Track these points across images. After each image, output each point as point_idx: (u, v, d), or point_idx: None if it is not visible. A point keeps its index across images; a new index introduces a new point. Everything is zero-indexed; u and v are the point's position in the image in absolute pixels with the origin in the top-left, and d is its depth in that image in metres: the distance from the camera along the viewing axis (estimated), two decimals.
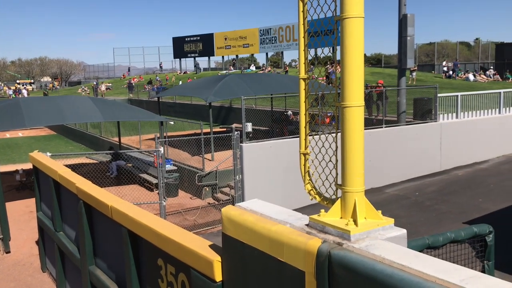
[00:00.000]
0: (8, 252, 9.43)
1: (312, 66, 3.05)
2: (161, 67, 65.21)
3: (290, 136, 12.54)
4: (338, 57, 2.48)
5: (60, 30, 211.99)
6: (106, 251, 5.40)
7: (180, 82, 41.69)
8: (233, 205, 3.15)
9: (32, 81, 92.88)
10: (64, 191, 6.63)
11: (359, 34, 2.38)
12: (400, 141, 13.65)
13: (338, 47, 2.47)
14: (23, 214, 12.10)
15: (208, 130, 16.51)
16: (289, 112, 20.97)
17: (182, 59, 58.43)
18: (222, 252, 3.06)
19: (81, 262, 5.95)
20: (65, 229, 7.05)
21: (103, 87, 52.10)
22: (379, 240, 2.33)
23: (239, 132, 11.44)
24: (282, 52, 46.52)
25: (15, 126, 15.13)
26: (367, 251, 2.16)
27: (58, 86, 72.83)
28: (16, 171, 15.34)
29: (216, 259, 3.02)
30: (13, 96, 56.66)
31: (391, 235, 2.41)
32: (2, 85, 79.34)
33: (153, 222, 4.00)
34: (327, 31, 2.65)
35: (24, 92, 61.57)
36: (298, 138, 2.94)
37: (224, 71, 46.36)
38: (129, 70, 68.73)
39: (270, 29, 44.49)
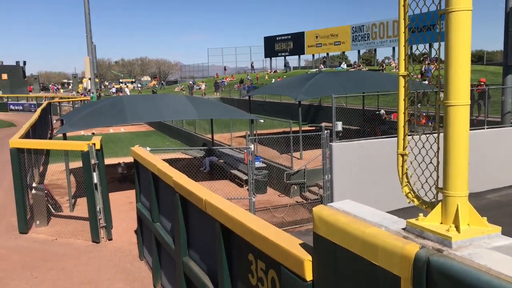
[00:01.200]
0: (110, 239, 10.15)
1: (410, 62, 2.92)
2: (252, 66, 66.35)
3: (383, 136, 12.14)
4: (436, 53, 2.34)
5: (159, 32, 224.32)
6: (199, 243, 5.60)
7: (273, 81, 42.13)
8: (322, 204, 3.11)
9: (133, 80, 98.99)
10: (162, 184, 6.99)
11: (466, 28, 2.23)
12: (504, 144, 12.67)
13: (437, 43, 2.33)
14: (123, 204, 12.94)
15: (297, 128, 16.51)
16: (382, 111, 20.31)
17: (272, 58, 59.04)
18: (312, 252, 3.04)
19: (176, 252, 6.23)
20: (161, 220, 7.44)
21: (203, 86, 53.33)
22: (484, 248, 2.17)
23: (328, 131, 11.30)
24: (375, 50, 45.22)
25: (118, 122, 16.27)
26: (471, 260, 2.02)
27: (156, 85, 76.93)
28: (118, 164, 16.48)
29: (307, 258, 3.01)
30: (116, 94, 60.85)
31: (498, 244, 2.24)
32: (107, 84, 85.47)
33: (245, 217, 4.08)
34: (429, 25, 2.51)
35: (127, 90, 65.83)
36: (391, 139, 2.84)
37: (314, 69, 46.04)
38: (225, 69, 70.75)
39: (363, 26, 43.41)
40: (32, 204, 11.30)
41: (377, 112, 20.26)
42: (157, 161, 7.31)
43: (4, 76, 71.43)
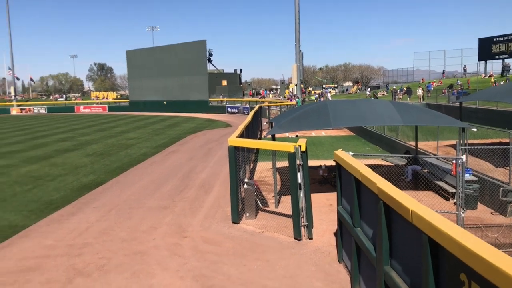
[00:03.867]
0: (310, 238, 10.54)
1: None
2: (465, 70, 61.14)
3: None
4: None
5: (362, 38, 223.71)
6: (402, 254, 5.41)
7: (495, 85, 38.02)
8: None
9: (335, 85, 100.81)
10: (364, 189, 6.97)
11: None
12: None
13: None
14: (323, 206, 13.31)
15: None
16: None
17: (487, 61, 53.37)
18: None
19: (377, 260, 6.14)
20: (362, 226, 7.41)
21: (419, 91, 48.93)
22: None
23: None
24: None
25: (322, 126, 16.79)
26: None
27: (358, 90, 76.97)
28: (320, 166, 17.01)
29: None
30: (317, 99, 62.82)
31: None
32: (311, 89, 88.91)
33: (457, 232, 3.79)
34: None
35: (328, 95, 67.44)
36: None
37: None
38: (444, 74, 66.82)
39: None
40: (244, 197, 12.47)
41: None
42: (360, 166, 7.31)
43: (224, 83, 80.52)
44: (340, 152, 8.85)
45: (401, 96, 50.45)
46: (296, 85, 51.74)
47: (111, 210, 13.81)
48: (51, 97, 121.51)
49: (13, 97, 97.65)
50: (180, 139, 33.37)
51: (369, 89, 59.17)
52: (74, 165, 22.39)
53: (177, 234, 11.34)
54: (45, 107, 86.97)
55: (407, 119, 14.43)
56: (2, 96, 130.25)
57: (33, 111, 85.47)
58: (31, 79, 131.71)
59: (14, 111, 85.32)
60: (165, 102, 73.36)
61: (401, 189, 5.72)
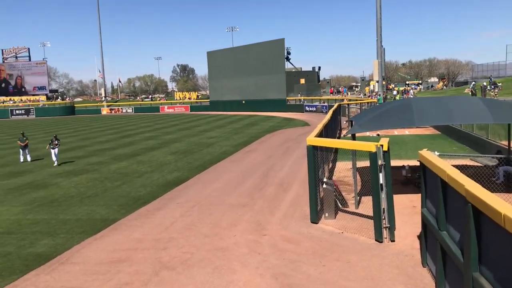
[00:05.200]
0: (392, 240, 10.24)
1: None
2: None
3: None
4: None
5: (449, 31, 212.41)
6: (494, 261, 5.09)
7: None
8: None
9: (420, 81, 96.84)
10: (451, 191, 6.64)
11: None
12: None
13: None
14: (406, 207, 12.85)
15: None
16: None
17: None
18: None
19: (464, 266, 5.84)
20: (448, 229, 7.07)
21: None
22: None
23: None
24: None
25: (405, 125, 16.19)
26: None
27: (444, 87, 73.29)
28: (403, 167, 16.43)
29: None
30: (398, 97, 60.56)
31: None
32: (393, 86, 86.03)
33: None
34: None
35: (411, 92, 64.93)
36: None
37: None
38: None
39: None
40: (323, 197, 12.38)
41: None
42: (446, 166, 6.98)
43: (302, 81, 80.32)
44: (425, 152, 8.51)
45: (496, 92, 46.83)
46: (377, 82, 50.34)
47: (194, 206, 14.33)
48: (138, 98, 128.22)
49: (103, 98, 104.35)
50: (259, 138, 33.81)
51: (473, 83, 55.65)
52: (159, 163, 23.49)
53: (256, 231, 11.52)
54: (132, 107, 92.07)
55: (498, 116, 13.52)
56: (93, 97, 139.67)
57: (121, 111, 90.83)
58: (120, 81, 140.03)
59: (104, 111, 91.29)
60: (243, 102, 74.69)
61: (492, 192, 5.39)
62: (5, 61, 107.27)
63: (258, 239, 10.94)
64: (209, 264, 9.48)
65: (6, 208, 15.10)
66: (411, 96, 55.96)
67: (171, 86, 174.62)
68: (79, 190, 17.51)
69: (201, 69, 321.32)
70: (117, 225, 12.77)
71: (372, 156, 10.27)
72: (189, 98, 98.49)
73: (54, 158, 24.26)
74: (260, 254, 9.94)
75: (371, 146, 10.36)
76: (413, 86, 79.30)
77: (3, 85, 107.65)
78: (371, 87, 68.53)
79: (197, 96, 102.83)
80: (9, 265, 9.99)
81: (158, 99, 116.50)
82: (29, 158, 26.01)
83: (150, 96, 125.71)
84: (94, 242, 11.37)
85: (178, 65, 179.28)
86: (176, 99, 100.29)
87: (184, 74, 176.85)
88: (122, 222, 13.05)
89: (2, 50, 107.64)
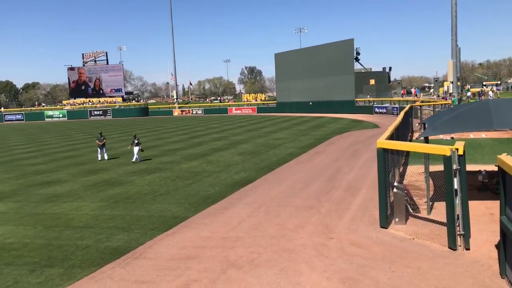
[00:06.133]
0: (467, 249, 9.74)
1: None
2: None
3: None
4: None
5: None
6: None
7: None
8: None
9: (498, 82, 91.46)
10: None
11: None
12: None
13: None
14: (482, 215, 12.19)
15: None
16: None
17: None
18: None
19: None
20: None
21: None
22: None
23: None
24: None
25: (482, 127, 15.34)
26: None
27: None
28: (479, 172, 15.59)
29: None
30: (472, 99, 57.43)
31: None
32: (469, 87, 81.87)
33: None
34: None
35: (490, 93, 61.44)
36: None
37: None
38: None
39: None
40: (393, 202, 12.03)
41: None
42: None
43: (372, 82, 78.50)
44: (504, 157, 8.04)
45: None
46: (452, 82, 48.09)
47: (261, 207, 14.45)
48: (207, 100, 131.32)
49: (175, 100, 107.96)
50: (326, 140, 33.48)
51: None
52: (227, 163, 23.93)
53: (323, 234, 11.42)
54: (202, 108, 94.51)
55: None
56: (166, 99, 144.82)
57: (192, 113, 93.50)
58: (190, 83, 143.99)
59: (176, 112, 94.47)
60: (310, 103, 74.25)
61: None
62: (85, 65, 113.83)
63: (325, 242, 10.83)
64: (276, 265, 9.52)
65: (86, 204, 16.05)
66: (490, 98, 52.95)
67: (238, 88, 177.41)
68: (152, 188, 18.24)
69: (268, 71, 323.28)
70: (187, 222, 13.17)
71: (447, 160, 9.83)
72: (256, 100, 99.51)
73: (136, 156, 25.82)
74: (327, 257, 9.84)
75: (445, 150, 9.93)
76: (493, 87, 75.00)
77: (83, 87, 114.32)
78: (445, 88, 65.58)
79: (264, 98, 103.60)
80: (88, 257, 10.61)
81: (227, 100, 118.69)
82: (106, 157, 27.50)
83: (219, 98, 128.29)
84: (165, 238, 11.80)
85: (246, 67, 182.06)
86: (244, 101, 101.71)
87: (252, 76, 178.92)
88: (192, 220, 13.43)
89: (83, 54, 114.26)
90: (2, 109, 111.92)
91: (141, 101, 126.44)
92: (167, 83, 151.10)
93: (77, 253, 10.89)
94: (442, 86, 74.82)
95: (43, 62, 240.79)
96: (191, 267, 9.67)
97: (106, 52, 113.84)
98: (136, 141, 25.67)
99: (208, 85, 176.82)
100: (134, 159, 25.77)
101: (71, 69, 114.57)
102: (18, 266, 10.25)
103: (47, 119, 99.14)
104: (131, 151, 27.15)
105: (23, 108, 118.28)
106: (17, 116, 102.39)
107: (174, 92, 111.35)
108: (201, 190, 17.39)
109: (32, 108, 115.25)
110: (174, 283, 8.90)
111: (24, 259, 10.70)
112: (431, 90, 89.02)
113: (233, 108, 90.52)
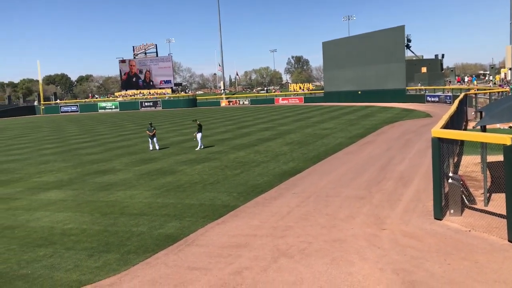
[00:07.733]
0: None
1: None
2: None
3: None
4: None
5: None
6: None
7: None
8: None
9: None
10: None
11: None
12: None
13: None
14: None
15: None
16: None
17: None
18: None
19: None
20: None
21: None
22: None
23: None
24: None
25: None
26: None
27: None
28: None
29: None
30: None
31: None
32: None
33: None
34: None
35: None
36: None
37: None
38: None
39: None
40: (448, 193, 11.66)
41: None
42: None
43: (423, 70, 76.08)
44: None
45: None
46: (510, 69, 45.82)
47: (310, 197, 14.39)
48: (254, 90, 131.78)
49: (222, 91, 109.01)
50: (376, 130, 32.83)
51: None
52: (275, 153, 23.96)
53: (375, 225, 11.23)
54: (249, 99, 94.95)
55: None
56: (213, 90, 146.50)
57: (239, 103, 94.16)
58: (237, 74, 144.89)
59: (223, 103, 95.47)
60: (359, 92, 72.96)
61: None
62: (136, 57, 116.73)
63: (377, 233, 10.66)
64: (327, 255, 9.47)
65: (139, 192, 16.56)
66: None
67: (285, 78, 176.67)
68: (202, 177, 18.56)
69: (315, 60, 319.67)
70: (237, 211, 13.32)
71: (507, 150, 9.39)
72: (302, 90, 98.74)
73: (200, 144, 27.19)
74: (380, 248, 9.67)
75: (506, 139, 9.48)
76: None
77: (134, 79, 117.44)
78: (502, 75, 62.56)
79: (311, 87, 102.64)
80: (143, 243, 10.95)
81: (273, 91, 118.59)
82: (157, 147, 28.21)
83: (266, 88, 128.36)
84: (216, 226, 11.99)
85: (292, 57, 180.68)
86: (290, 91, 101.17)
87: (298, 65, 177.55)
88: (242, 209, 13.57)
89: (133, 47, 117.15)
90: (58, 100, 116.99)
91: (189, 92, 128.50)
92: (215, 74, 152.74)
93: (132, 239, 11.27)
94: (499, 73, 71.41)
95: (96, 55, 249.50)
96: (242, 255, 9.78)
97: (156, 45, 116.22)
98: (198, 126, 26.92)
99: (254, 75, 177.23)
100: (198, 148, 26.95)
101: (122, 61, 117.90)
102: (78, 251, 10.73)
103: (100, 110, 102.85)
104: (194, 138, 27.93)
105: (77, 100, 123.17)
106: (72, 108, 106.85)
107: (222, 83, 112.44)
108: (249, 180, 17.52)
109: (86, 100, 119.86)
110: (226, 270, 9.04)
111: (83, 244, 11.19)
112: (486, 78, 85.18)
113: (280, 98, 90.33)
